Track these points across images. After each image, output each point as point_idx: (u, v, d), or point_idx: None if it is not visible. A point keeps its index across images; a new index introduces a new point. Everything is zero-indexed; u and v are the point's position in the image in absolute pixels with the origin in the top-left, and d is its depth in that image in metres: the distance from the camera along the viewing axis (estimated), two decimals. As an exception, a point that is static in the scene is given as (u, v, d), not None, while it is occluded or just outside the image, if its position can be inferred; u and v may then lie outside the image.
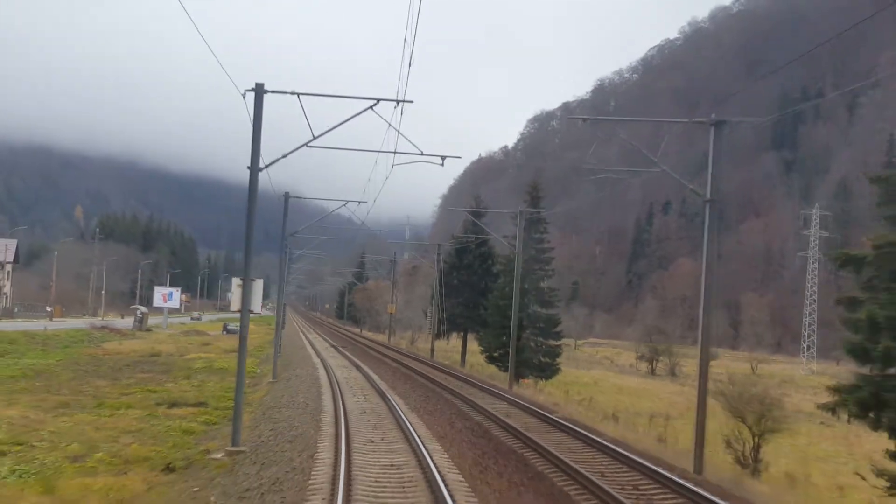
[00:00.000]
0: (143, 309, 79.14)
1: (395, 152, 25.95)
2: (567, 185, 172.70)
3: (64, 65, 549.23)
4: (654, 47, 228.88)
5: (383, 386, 32.79)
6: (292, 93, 20.17)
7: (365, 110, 20.81)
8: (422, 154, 23.44)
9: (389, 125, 22.28)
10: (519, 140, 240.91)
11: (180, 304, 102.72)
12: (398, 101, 21.23)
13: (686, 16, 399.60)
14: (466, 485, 14.38)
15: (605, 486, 15.19)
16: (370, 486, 13.84)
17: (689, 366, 76.54)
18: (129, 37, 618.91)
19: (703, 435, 19.49)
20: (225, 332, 79.97)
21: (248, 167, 20.01)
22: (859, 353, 19.13)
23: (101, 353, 47.92)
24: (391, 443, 18.79)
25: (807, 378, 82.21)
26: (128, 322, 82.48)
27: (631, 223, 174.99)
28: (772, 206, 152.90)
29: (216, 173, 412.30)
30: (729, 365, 68.87)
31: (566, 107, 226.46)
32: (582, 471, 16.74)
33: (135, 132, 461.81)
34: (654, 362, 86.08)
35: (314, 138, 21.47)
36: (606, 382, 63.87)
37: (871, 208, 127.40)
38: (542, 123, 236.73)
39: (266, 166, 20.74)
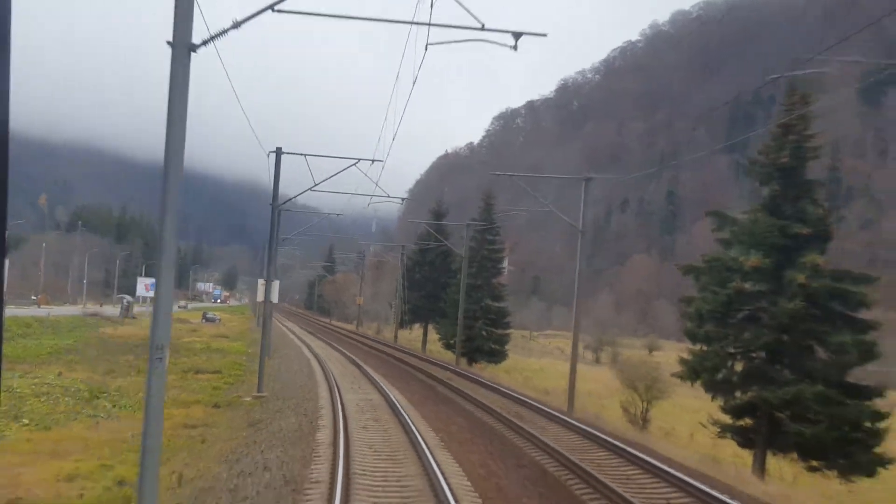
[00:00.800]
0: (129, 298, 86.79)
1: (371, 195, 35.57)
2: (530, 182, 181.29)
3: (26, 47, 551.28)
4: (617, 49, 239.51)
5: (358, 360, 41.61)
6: (301, 154, 27.64)
7: (348, 167, 28.40)
8: (401, 200, 30.69)
9: (375, 184, 31.93)
10: (484, 137, 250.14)
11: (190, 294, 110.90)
12: (373, 161, 28.17)
13: (647, 19, 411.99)
14: (415, 410, 23.43)
15: (497, 409, 24.43)
16: (355, 405, 22.99)
17: (632, 354, 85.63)
18: (91, 21, 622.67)
19: (573, 390, 29.03)
20: (204, 321, 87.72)
21: (270, 204, 26.80)
22: (692, 336, 28.01)
23: (107, 336, 55.97)
24: (367, 391, 27.85)
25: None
26: (109, 310, 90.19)
27: (590, 221, 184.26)
28: (724, 206, 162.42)
29: (189, 163, 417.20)
30: (655, 353, 78.53)
31: (531, 105, 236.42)
32: (484, 402, 26.18)
33: (99, 119, 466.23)
34: (599, 352, 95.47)
35: (313, 186, 28.98)
36: (553, 369, 72.63)
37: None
38: (506, 121, 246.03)
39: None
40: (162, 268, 11.22)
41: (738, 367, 26.61)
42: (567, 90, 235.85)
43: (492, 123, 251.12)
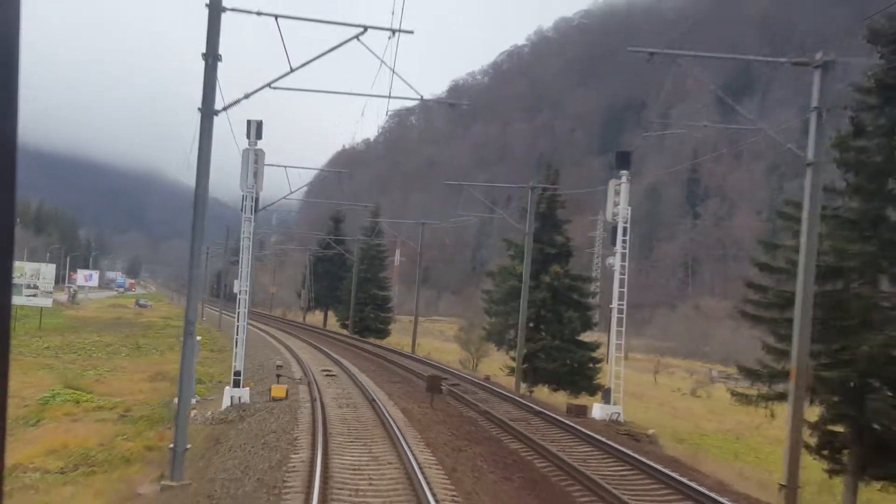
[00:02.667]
0: (75, 286, 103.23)
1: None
2: (424, 177, 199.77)
3: None
4: (504, 52, 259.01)
5: (280, 336, 60.47)
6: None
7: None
8: (421, 99, 24.32)
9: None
10: (380, 133, 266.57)
11: (99, 283, 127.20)
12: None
13: (534, 24, 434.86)
14: (334, 349, 42.79)
15: (371, 351, 44.12)
16: (301, 347, 42.22)
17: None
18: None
19: (414, 343, 48.87)
20: (138, 306, 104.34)
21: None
22: (489, 313, 47.98)
23: (77, 317, 73.22)
24: (298, 346, 46.99)
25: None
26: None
27: (477, 220, 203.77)
28: (597, 205, 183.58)
29: (81, 150, 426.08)
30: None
31: (424, 104, 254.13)
32: (368, 349, 45.75)
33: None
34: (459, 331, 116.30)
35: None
36: (429, 345, 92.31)
37: (671, 208, 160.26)
38: (401, 118, 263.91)
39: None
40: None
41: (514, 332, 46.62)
42: (458, 91, 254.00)
43: (387, 120, 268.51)
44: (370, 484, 16.80)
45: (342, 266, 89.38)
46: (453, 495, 16.10)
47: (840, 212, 23.99)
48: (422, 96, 22.85)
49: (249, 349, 31.78)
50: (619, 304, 29.85)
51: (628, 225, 31.11)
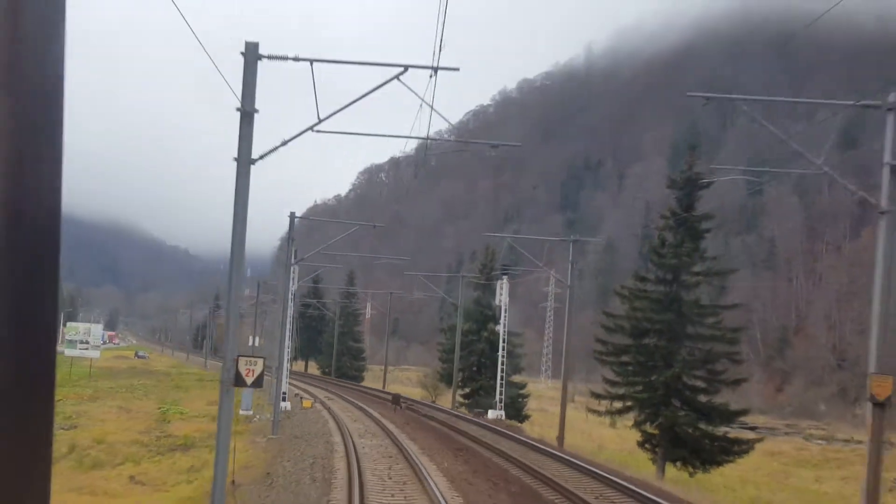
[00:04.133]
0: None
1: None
2: (392, 232, 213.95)
3: None
4: (470, 112, 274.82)
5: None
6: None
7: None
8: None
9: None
10: (350, 190, 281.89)
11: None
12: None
13: (498, 85, 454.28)
14: (319, 390, 57.67)
15: (354, 389, 59.11)
16: (301, 387, 57.23)
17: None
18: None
19: (385, 380, 63.35)
20: (137, 357, 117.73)
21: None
22: (441, 360, 62.52)
23: (96, 367, 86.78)
24: (301, 386, 61.76)
25: (545, 389, 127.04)
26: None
27: (444, 268, 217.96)
28: (554, 259, 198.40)
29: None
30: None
31: (393, 161, 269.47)
32: (340, 384, 60.71)
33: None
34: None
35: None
36: (397, 388, 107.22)
37: (628, 261, 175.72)
38: (371, 175, 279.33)
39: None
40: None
41: (462, 374, 61.05)
42: (426, 148, 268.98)
43: (357, 177, 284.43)
44: (363, 426, 34.08)
45: (321, 320, 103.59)
46: (404, 436, 33.49)
47: (650, 293, 39.01)
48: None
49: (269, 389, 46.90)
50: (502, 354, 45.69)
51: (506, 309, 46.53)
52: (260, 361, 18.65)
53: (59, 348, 66.62)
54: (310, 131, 19.01)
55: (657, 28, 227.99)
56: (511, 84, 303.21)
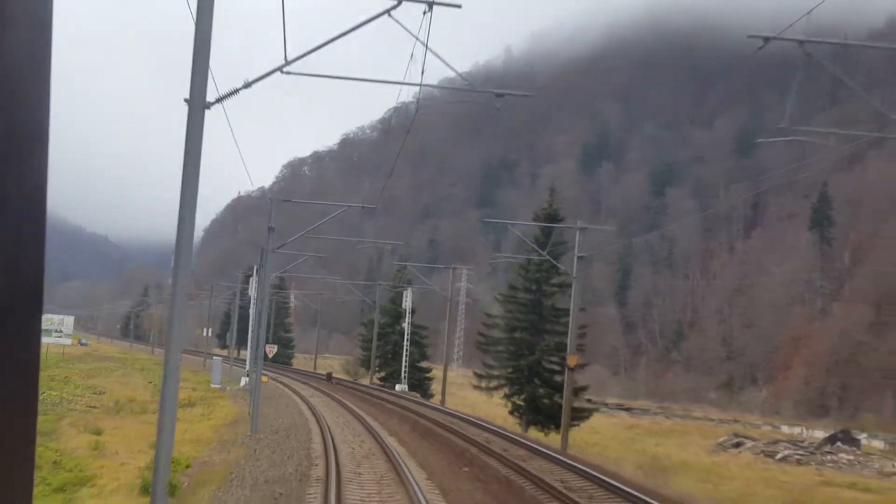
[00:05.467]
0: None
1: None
2: (316, 225, 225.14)
3: None
4: (392, 108, 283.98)
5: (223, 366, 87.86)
6: None
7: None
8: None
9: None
10: (274, 182, 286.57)
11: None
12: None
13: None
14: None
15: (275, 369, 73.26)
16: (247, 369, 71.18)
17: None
18: None
19: (315, 363, 77.60)
20: (80, 344, 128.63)
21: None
22: (362, 349, 76.12)
23: (55, 354, 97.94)
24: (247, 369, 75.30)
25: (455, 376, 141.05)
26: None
27: (365, 262, 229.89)
28: (473, 253, 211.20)
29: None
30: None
31: (316, 155, 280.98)
32: (277, 368, 74.97)
33: None
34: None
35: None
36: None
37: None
38: (295, 169, 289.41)
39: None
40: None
41: (379, 360, 74.55)
42: (349, 144, 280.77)
43: (281, 171, 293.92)
44: (310, 391, 48.05)
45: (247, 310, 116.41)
46: (339, 396, 46.20)
47: (519, 299, 53.20)
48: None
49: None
50: (406, 345, 59.80)
51: (410, 312, 60.61)
52: (274, 347, 32.77)
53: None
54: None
55: (572, 33, 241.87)
56: (433, 82, 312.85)
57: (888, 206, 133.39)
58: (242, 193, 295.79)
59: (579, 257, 42.56)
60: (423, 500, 20.36)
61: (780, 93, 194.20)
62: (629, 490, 24.62)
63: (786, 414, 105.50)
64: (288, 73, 17.40)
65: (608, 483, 25.90)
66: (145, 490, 21.81)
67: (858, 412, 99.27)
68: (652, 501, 23.08)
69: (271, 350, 65.34)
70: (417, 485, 22.69)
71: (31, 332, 1.75)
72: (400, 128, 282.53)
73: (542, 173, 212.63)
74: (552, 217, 55.43)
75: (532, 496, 24.15)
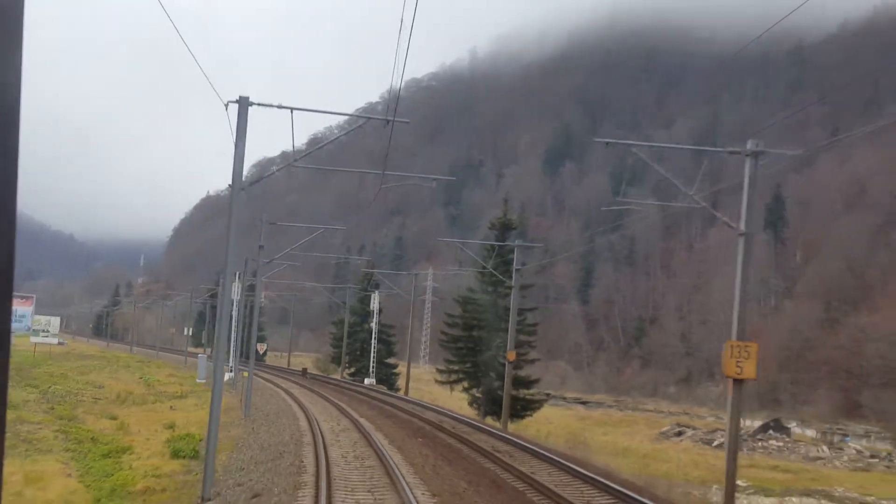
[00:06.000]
0: None
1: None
2: (287, 224, 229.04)
3: None
4: (360, 109, 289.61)
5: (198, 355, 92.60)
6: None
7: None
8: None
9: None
10: (244, 180, 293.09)
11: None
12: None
13: (386, 84, 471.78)
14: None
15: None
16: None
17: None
18: None
19: (289, 362, 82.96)
20: (57, 343, 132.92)
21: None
22: (333, 346, 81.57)
23: (36, 353, 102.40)
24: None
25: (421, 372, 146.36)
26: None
27: (333, 261, 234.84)
28: (439, 251, 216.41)
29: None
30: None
31: (284, 154, 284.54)
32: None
33: None
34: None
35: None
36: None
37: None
38: (263, 168, 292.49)
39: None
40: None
41: (349, 356, 79.95)
42: (317, 143, 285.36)
43: (250, 170, 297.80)
44: (290, 384, 54.52)
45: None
46: (317, 389, 52.06)
47: (477, 300, 58.73)
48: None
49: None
50: (374, 342, 65.18)
51: (378, 312, 65.96)
52: (264, 345, 38.37)
53: (30, 337, 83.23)
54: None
55: (536, 36, 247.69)
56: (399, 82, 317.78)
57: (837, 206, 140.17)
58: (212, 193, 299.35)
59: (516, 269, 48.47)
60: (385, 453, 28.42)
61: (736, 95, 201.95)
62: (542, 451, 31.84)
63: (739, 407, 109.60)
64: (297, 166, 26.04)
65: (528, 447, 33.32)
66: (175, 455, 29.47)
67: (805, 405, 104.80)
68: (552, 456, 29.65)
69: (262, 347, 70.80)
70: (382, 445, 31.00)
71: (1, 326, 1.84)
72: (366, 127, 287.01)
73: (506, 173, 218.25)
74: (506, 225, 60.87)
75: (467, 454, 31.83)
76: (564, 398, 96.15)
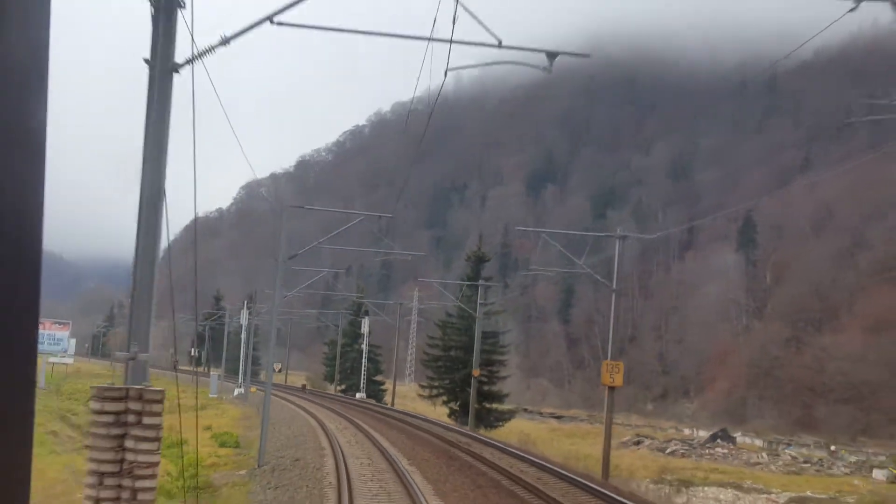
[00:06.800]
0: None
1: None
2: (275, 246, 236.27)
3: None
4: (346, 132, 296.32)
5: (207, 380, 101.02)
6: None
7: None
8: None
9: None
10: (232, 203, 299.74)
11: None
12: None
13: (374, 106, 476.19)
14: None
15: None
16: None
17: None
18: None
19: (286, 379, 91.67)
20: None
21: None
22: (325, 364, 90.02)
23: (55, 372, 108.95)
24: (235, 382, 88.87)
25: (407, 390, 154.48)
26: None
27: (322, 281, 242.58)
28: (426, 273, 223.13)
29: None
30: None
31: (273, 176, 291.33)
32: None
33: None
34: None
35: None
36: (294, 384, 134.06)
37: (487, 276, 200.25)
38: (251, 190, 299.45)
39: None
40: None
41: (341, 374, 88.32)
42: (305, 166, 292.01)
43: (239, 192, 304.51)
44: (294, 396, 62.31)
45: (220, 332, 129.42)
46: (318, 402, 60.96)
47: (455, 324, 67.47)
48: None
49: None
50: (365, 362, 73.65)
51: (368, 334, 74.30)
52: (279, 364, 47.47)
53: (48, 357, 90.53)
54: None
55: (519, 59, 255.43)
56: (385, 106, 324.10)
57: (806, 230, 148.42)
58: (200, 215, 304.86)
59: (480, 303, 57.50)
60: (376, 438, 40.70)
61: (713, 120, 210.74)
62: (495, 443, 42.25)
63: (706, 422, 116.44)
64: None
65: (485, 440, 44.23)
66: (222, 445, 38.80)
67: (767, 419, 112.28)
68: (501, 444, 39.25)
69: (278, 366, 79.27)
70: (375, 438, 42.02)
71: (29, 342, 1.87)
72: (354, 150, 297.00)
73: (490, 195, 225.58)
74: (480, 258, 69.39)
75: (436, 444, 42.39)
76: (541, 413, 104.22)
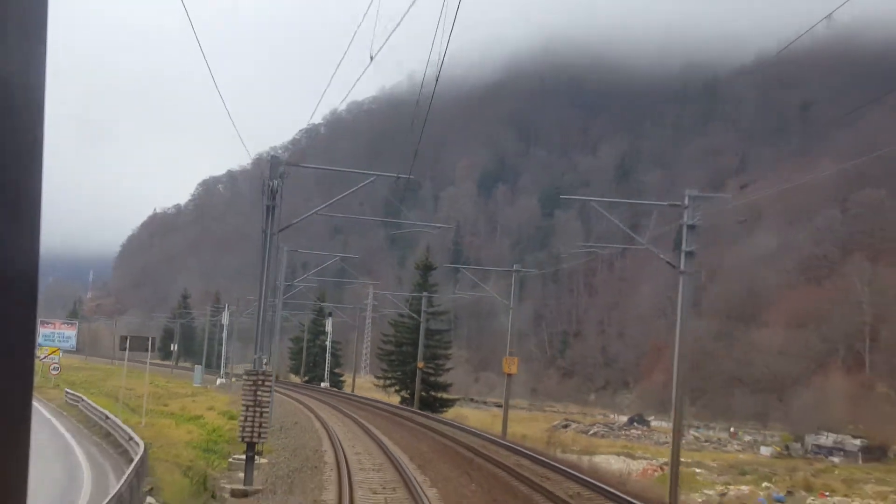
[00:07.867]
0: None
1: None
2: (233, 243, 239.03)
3: None
4: (303, 130, 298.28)
5: (190, 373, 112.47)
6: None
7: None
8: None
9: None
10: (189, 200, 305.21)
11: None
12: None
13: (330, 105, 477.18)
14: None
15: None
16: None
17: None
18: None
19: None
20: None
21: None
22: (290, 358, 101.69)
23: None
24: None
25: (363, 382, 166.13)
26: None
27: (282, 276, 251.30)
28: (381, 269, 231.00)
29: None
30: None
31: (230, 174, 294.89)
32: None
33: None
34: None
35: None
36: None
37: (438, 276, 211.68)
38: (209, 187, 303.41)
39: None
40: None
41: (306, 367, 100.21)
42: (262, 163, 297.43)
43: (196, 188, 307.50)
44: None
45: (191, 329, 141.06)
46: (285, 391, 72.15)
47: (406, 323, 79.65)
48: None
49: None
50: (328, 357, 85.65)
51: (330, 332, 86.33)
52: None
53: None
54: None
55: (474, 62, 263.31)
56: (341, 105, 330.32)
57: (738, 231, 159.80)
58: (158, 210, 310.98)
59: (425, 311, 69.91)
60: (346, 410, 53.61)
61: (656, 123, 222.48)
62: (432, 416, 54.57)
63: (641, 411, 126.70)
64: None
65: (424, 414, 58.13)
66: (231, 418, 49.12)
67: (698, 408, 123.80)
68: (437, 418, 51.72)
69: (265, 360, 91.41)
70: (345, 410, 55.18)
71: (26, 338, 1.84)
72: (309, 149, 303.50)
73: (443, 195, 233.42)
74: (427, 267, 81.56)
75: (388, 416, 59.18)
76: (486, 402, 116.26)
